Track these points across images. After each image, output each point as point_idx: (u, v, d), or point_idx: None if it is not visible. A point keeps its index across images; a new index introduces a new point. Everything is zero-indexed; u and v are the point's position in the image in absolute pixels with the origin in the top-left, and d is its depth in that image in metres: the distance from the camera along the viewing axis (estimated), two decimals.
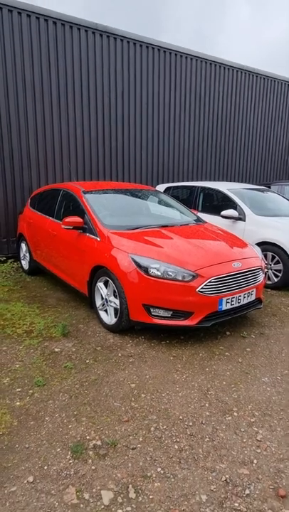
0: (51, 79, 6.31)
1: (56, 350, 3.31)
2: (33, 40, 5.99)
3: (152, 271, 3.30)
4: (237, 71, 9.06)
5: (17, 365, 3.05)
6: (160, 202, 5.10)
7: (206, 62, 8.43)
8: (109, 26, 6.81)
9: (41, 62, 6.15)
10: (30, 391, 2.68)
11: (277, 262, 5.04)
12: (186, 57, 8.08)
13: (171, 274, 3.28)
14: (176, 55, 7.89)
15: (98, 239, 3.81)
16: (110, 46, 6.91)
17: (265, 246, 5.06)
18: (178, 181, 8.40)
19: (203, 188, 6.33)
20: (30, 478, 1.92)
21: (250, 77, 9.38)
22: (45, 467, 1.99)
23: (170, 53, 7.79)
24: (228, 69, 8.88)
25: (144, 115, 7.65)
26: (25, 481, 1.90)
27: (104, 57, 6.88)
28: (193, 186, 6.51)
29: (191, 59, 8.16)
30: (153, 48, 7.50)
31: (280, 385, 2.80)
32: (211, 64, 8.52)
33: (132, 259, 3.40)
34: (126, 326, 3.52)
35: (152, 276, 3.29)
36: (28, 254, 5.61)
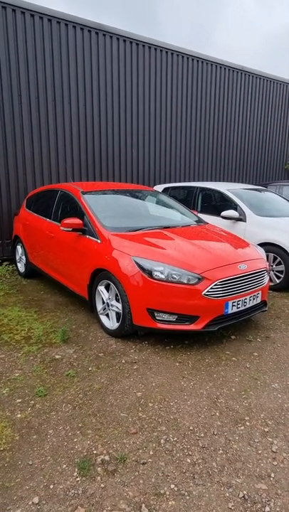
0: (46, 78, 6.17)
1: (57, 357, 3.18)
2: (27, 38, 5.85)
3: (156, 274, 3.18)
4: (233, 71, 9.00)
5: (16, 374, 2.90)
6: (160, 202, 4.99)
7: (202, 62, 8.36)
8: (104, 24, 6.69)
9: (36, 62, 6.01)
10: (32, 402, 2.55)
11: (279, 263, 4.96)
12: (183, 57, 7.99)
13: (175, 276, 3.17)
14: (174, 54, 7.79)
15: (99, 241, 3.69)
16: (106, 44, 6.79)
17: (267, 247, 4.98)
18: (173, 182, 8.30)
19: (202, 189, 6.24)
20: (36, 499, 1.79)
21: (246, 78, 9.33)
22: (51, 486, 1.87)
23: (166, 52, 7.69)
24: (225, 69, 8.82)
25: (140, 115, 7.54)
26: (30, 503, 1.77)
27: (101, 56, 6.75)
28: (192, 187, 6.41)
29: (188, 58, 8.08)
30: (149, 47, 7.39)
31: None
32: (207, 64, 8.45)
33: (135, 261, 3.28)
34: (129, 331, 3.41)
35: (156, 280, 3.17)
36: (24, 257, 5.45)
